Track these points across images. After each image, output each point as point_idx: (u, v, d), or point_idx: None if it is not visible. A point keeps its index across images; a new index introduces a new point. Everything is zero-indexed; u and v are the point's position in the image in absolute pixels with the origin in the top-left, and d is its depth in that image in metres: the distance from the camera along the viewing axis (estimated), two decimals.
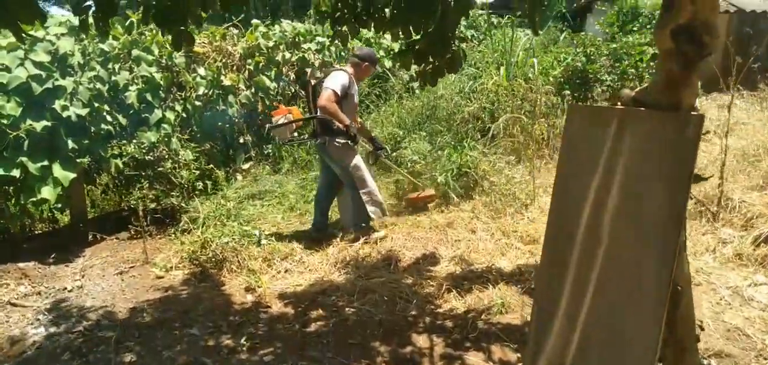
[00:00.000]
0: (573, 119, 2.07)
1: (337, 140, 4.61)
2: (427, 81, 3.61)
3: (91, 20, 2.43)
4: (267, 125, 5.14)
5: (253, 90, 6.66)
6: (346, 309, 3.63)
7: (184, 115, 5.78)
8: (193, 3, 2.80)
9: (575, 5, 15.12)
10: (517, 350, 3.10)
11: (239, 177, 6.33)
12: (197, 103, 5.88)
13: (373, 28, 3.53)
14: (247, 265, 4.27)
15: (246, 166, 6.52)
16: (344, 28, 3.51)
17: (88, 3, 2.30)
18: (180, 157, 5.37)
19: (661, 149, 1.80)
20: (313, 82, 5.04)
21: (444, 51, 3.46)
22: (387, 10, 3.39)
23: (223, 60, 6.43)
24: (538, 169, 6.01)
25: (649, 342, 1.88)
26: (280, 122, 4.81)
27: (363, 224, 4.79)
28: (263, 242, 4.64)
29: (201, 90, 5.92)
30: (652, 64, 7.33)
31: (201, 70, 6.00)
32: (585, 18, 15.04)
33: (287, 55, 7.14)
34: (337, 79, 4.58)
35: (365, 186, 4.77)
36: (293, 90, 7.19)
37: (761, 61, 8.07)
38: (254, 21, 7.18)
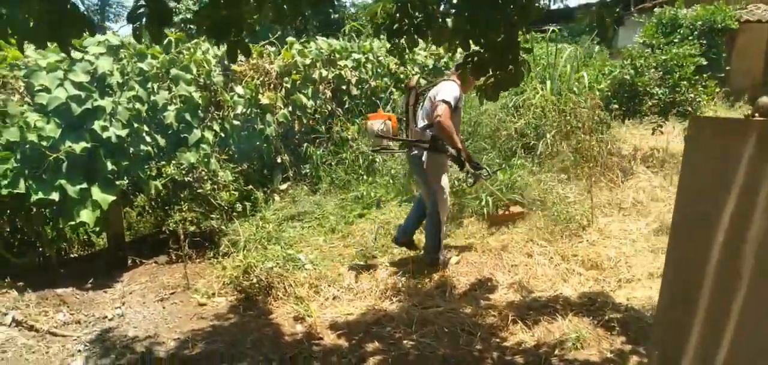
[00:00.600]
0: (698, 135, 1.79)
1: (437, 155, 4.13)
2: (487, 96, 3.36)
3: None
4: (368, 131, 4.60)
5: (290, 108, 6.49)
6: (404, 341, 3.37)
7: (222, 134, 5.62)
8: (248, 13, 2.62)
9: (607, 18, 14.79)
10: None
11: (277, 198, 6.14)
12: (235, 122, 5.72)
13: (430, 41, 3.33)
14: (294, 291, 4.05)
15: (284, 186, 6.33)
16: (402, 40, 3.29)
17: (141, 10, 2.11)
18: (219, 178, 5.19)
19: None
20: (416, 91, 4.39)
21: (507, 63, 3.23)
22: (449, 20, 3.17)
23: (261, 78, 6.28)
24: (592, 188, 5.69)
25: None
26: (381, 128, 4.40)
27: (435, 256, 4.38)
28: (308, 266, 4.42)
29: (239, 109, 5.76)
30: (704, 76, 6.99)
31: (239, 89, 5.85)
32: (616, 31, 14.70)
33: (324, 72, 6.96)
34: (450, 91, 3.97)
35: (445, 214, 4.38)
36: (330, 108, 7.00)
37: None
38: (290, 39, 7.04)
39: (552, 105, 6.31)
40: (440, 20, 3.19)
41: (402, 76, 8.17)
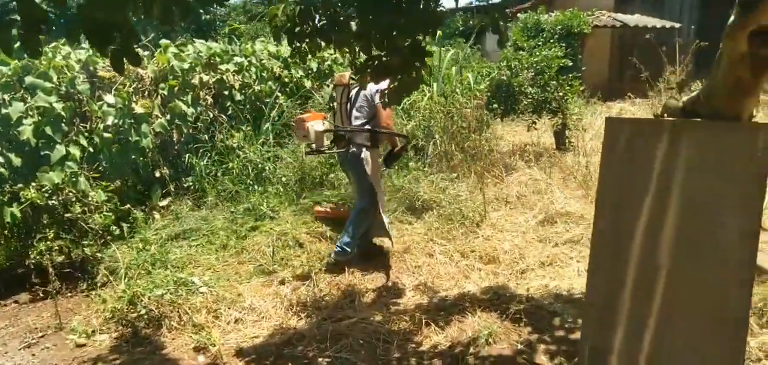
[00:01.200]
0: (614, 135, 1.88)
1: (376, 151, 4.29)
2: (390, 99, 3.33)
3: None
4: (300, 133, 4.37)
5: (168, 117, 5.98)
6: (320, 359, 3.22)
7: (91, 149, 5.00)
8: (135, 14, 2.30)
9: (472, 23, 15.69)
10: None
11: (157, 216, 5.61)
12: (106, 135, 5.11)
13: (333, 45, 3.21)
14: (191, 319, 3.70)
15: (164, 203, 5.80)
16: (304, 44, 3.13)
17: (10, 17, 1.75)
18: (90, 198, 4.60)
19: (730, 162, 1.66)
20: (348, 88, 4.34)
21: (412, 68, 3.22)
22: (353, 23, 3.08)
23: (134, 85, 5.70)
24: (476, 182, 5.94)
25: None
26: (319, 127, 4.30)
27: (348, 250, 4.33)
28: (203, 289, 4.07)
29: (110, 120, 5.16)
30: (570, 76, 7.63)
31: (109, 98, 5.24)
32: (484, 35, 15.64)
33: (204, 77, 6.52)
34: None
35: (382, 208, 4.41)
36: (212, 115, 6.57)
37: (646, 70, 8.69)
38: (164, 42, 6.48)
39: (440, 107, 6.49)
40: (343, 23, 3.09)
41: (286, 80, 7.93)
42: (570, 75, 7.59)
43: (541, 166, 6.63)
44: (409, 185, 5.65)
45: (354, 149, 4.27)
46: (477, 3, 7.53)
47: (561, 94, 7.11)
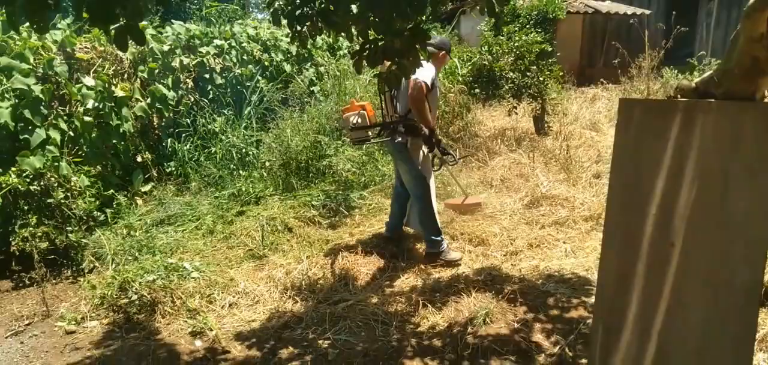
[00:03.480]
0: (627, 116, 1.92)
1: (419, 138, 4.07)
2: (389, 83, 3.33)
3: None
4: (344, 126, 4.27)
5: (148, 101, 5.84)
6: (320, 341, 3.23)
7: (71, 133, 4.85)
8: None
9: (450, 7, 15.75)
10: (517, 361, 2.95)
11: (140, 202, 5.50)
12: (86, 118, 4.97)
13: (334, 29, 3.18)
14: (185, 304, 3.66)
15: (147, 188, 5.69)
16: (305, 28, 3.10)
17: None
18: (73, 184, 4.48)
19: (743, 141, 1.72)
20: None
21: (414, 51, 3.23)
22: (353, 6, 3.06)
23: (113, 67, 5.54)
24: (464, 168, 6.01)
25: (742, 350, 1.80)
26: (356, 121, 4.16)
27: (436, 238, 4.21)
28: (195, 274, 4.02)
29: (90, 103, 5.01)
30: (549, 61, 7.74)
31: (88, 80, 5.08)
32: (459, 20, 15.71)
33: (184, 59, 6.38)
34: (426, 71, 3.89)
35: (432, 199, 4.26)
36: (193, 98, 6.45)
37: (617, 56, 8.89)
38: (141, 23, 6.30)
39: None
40: (344, 6, 3.06)
41: (267, 63, 7.83)
42: (549, 60, 7.71)
43: (523, 150, 6.73)
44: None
45: (399, 138, 4.12)
46: None
47: (541, 79, 7.22)
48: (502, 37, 7.59)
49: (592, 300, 3.50)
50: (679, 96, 1.89)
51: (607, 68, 12.08)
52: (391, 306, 3.60)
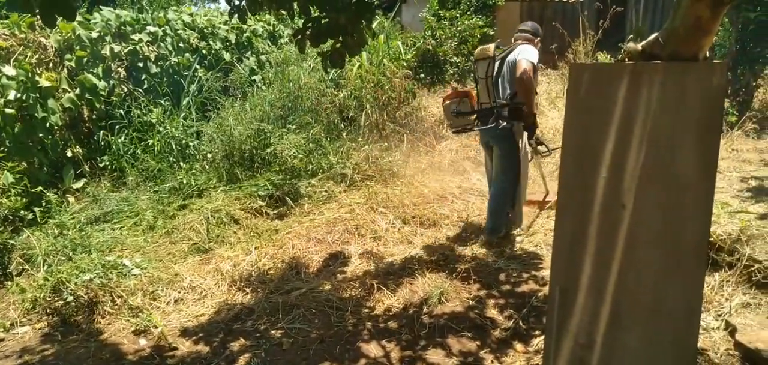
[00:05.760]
0: (577, 80, 1.93)
1: (521, 124, 3.91)
2: (333, 63, 3.25)
3: None
4: (452, 109, 4.09)
5: (77, 91, 5.48)
6: (272, 331, 3.13)
7: None
8: None
9: None
10: (473, 337, 2.96)
11: (72, 199, 5.16)
12: (8, 111, 4.60)
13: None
14: (127, 302, 3.45)
15: (79, 184, 5.35)
16: (243, 2, 2.97)
17: None
18: None
19: (688, 101, 1.76)
20: (494, 60, 3.98)
21: (359, 29, 3.16)
22: None
23: (37, 56, 5.16)
24: (409, 151, 6.01)
25: (692, 304, 1.85)
26: (457, 108, 4.04)
27: (495, 233, 4.11)
28: (136, 271, 3.81)
29: (12, 94, 4.64)
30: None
31: (8, 69, 4.70)
32: (401, 8, 15.72)
33: (115, 47, 6.03)
34: (530, 52, 3.79)
35: (520, 185, 4.11)
36: (127, 88, 6.11)
37: (554, 42, 9.16)
38: None
39: (371, 76, 6.45)
40: None
41: (205, 52, 7.54)
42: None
43: (469, 133, 6.79)
44: (342, 158, 5.59)
45: (504, 123, 3.92)
46: None
47: None
48: (444, 22, 7.63)
49: (542, 273, 3.58)
50: (626, 59, 1.92)
51: (546, 53, 12.43)
52: (345, 292, 3.53)
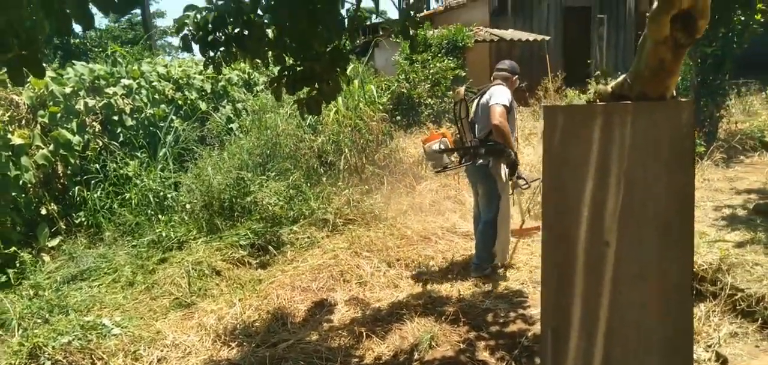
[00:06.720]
0: (552, 123, 1.98)
1: (499, 161, 4.06)
2: (309, 109, 3.28)
3: None
4: (437, 149, 4.26)
5: (51, 147, 5.39)
6: None
7: None
8: (27, 16, 2.03)
9: (364, 39, 16.00)
10: None
11: (47, 258, 5.02)
12: None
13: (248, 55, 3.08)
14: None
15: (54, 242, 5.21)
16: (218, 54, 2.98)
17: None
18: None
19: (660, 138, 1.83)
20: (465, 101, 4.33)
21: (334, 76, 3.20)
22: (269, 31, 2.98)
23: (9, 113, 5.07)
24: (389, 192, 6.04)
25: (683, 338, 1.89)
26: (437, 147, 4.22)
27: (486, 263, 4.23)
28: (116, 331, 3.70)
29: None
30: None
31: None
32: (373, 52, 16.00)
33: (89, 101, 5.98)
34: (503, 94, 3.99)
35: (504, 223, 4.23)
36: (101, 142, 6.04)
37: (523, 81, 9.41)
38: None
39: (348, 120, 6.51)
40: (259, 31, 2.97)
41: (180, 102, 7.52)
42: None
43: (448, 173, 6.88)
44: (324, 203, 5.59)
45: (481, 161, 4.13)
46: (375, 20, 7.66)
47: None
48: (417, 65, 7.79)
49: (530, 312, 3.60)
50: (598, 100, 1.99)
51: (517, 91, 12.74)
52: (333, 341, 3.49)
